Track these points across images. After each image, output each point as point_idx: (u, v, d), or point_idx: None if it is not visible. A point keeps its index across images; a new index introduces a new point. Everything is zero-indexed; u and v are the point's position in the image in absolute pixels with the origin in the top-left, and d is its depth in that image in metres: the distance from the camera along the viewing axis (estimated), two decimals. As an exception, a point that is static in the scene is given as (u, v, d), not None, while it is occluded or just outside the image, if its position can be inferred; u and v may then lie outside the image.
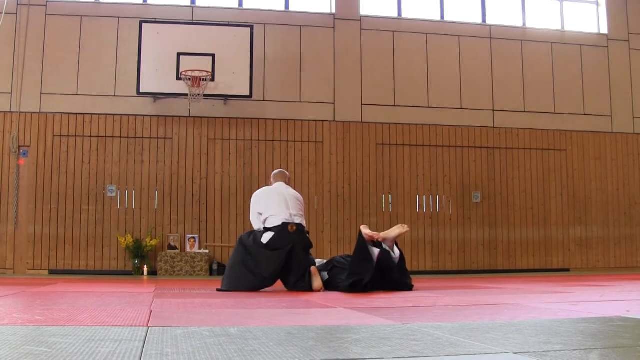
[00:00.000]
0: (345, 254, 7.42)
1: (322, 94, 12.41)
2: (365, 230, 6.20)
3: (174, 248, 11.54)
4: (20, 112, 11.51)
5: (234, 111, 12.11)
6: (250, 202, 6.76)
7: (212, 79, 11.35)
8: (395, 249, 6.44)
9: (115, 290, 6.18)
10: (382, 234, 6.27)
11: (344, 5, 12.78)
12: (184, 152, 11.93)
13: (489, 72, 13.07)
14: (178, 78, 11.28)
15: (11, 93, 11.55)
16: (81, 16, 11.90)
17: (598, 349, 2.34)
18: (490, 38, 13.22)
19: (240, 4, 12.59)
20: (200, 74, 11.21)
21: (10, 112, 11.52)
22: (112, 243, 11.52)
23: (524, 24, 13.57)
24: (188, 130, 11.97)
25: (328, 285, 6.27)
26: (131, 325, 3.01)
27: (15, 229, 11.36)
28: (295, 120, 12.26)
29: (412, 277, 6.52)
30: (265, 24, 12.36)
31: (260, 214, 6.53)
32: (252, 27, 11.77)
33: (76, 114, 11.68)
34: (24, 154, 11.52)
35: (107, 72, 11.84)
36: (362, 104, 12.49)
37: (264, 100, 12.21)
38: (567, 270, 12.81)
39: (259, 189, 11.75)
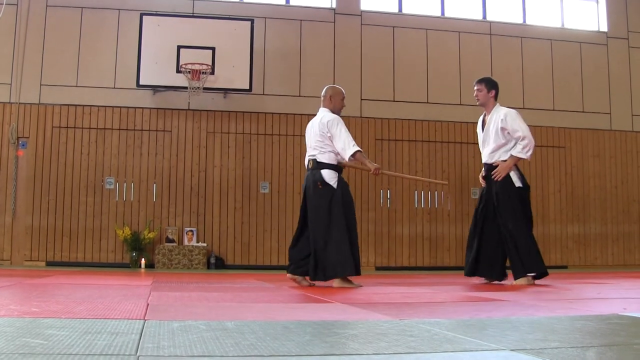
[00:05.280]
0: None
1: (321, 88, 12.28)
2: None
3: (172, 241, 11.53)
4: (19, 103, 11.49)
5: (233, 105, 12.09)
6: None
7: (212, 72, 11.32)
8: None
9: (112, 283, 6.19)
10: None
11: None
12: (183, 145, 11.91)
13: (489, 68, 13.04)
14: (178, 71, 11.26)
15: (11, 84, 11.52)
16: (82, 8, 11.87)
17: (595, 346, 2.34)
18: (490, 34, 13.21)
19: (241, -3, 12.57)
20: (200, 67, 11.19)
21: (9, 103, 11.49)
22: (110, 235, 11.51)
23: (524, 21, 13.55)
24: (187, 123, 11.96)
25: None
26: (128, 318, 3.01)
27: (13, 220, 11.35)
28: (294, 114, 12.24)
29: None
30: (265, 17, 12.33)
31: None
32: (252, 21, 11.74)
33: (75, 105, 11.66)
34: (23, 145, 11.50)
35: (107, 64, 11.81)
36: (361, 99, 12.48)
37: (263, 94, 12.19)
38: (565, 267, 12.81)
39: (258, 183, 11.96)
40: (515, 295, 5.04)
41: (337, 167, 6.20)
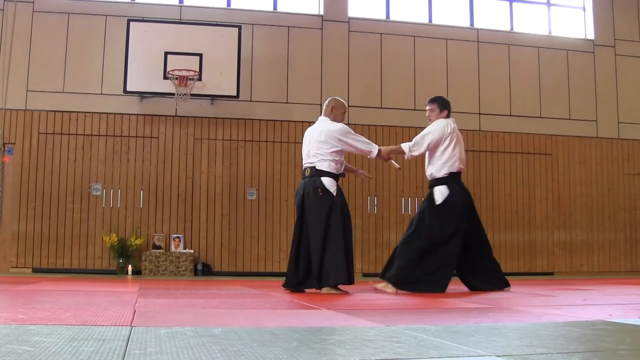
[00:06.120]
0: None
1: (309, 95, 12.40)
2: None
3: (159, 247, 11.49)
4: (5, 109, 11.43)
5: (220, 111, 12.08)
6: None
7: (199, 79, 11.31)
8: None
9: (99, 290, 6.16)
10: None
11: (332, 6, 12.78)
12: (170, 152, 11.88)
13: (476, 75, 13.11)
14: (165, 77, 11.24)
15: (-4, 90, 11.46)
16: (69, 13, 11.83)
17: (580, 352, 2.36)
18: (478, 41, 13.27)
19: (229, 3, 12.56)
20: (188, 74, 11.17)
21: (-5, 108, 11.44)
22: (97, 242, 11.45)
23: (512, 28, 13.63)
24: (174, 129, 11.93)
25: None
26: (115, 325, 3.00)
27: (-2, 227, 11.28)
28: (282, 121, 12.25)
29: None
30: (253, 24, 12.34)
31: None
32: (240, 27, 11.74)
33: (62, 111, 11.60)
34: (9, 151, 11.44)
35: (94, 70, 11.77)
36: (348, 106, 12.48)
37: (251, 101, 12.19)
38: (551, 274, 12.87)
39: (245, 189, 11.94)
40: (502, 301, 5.06)
41: (336, 176, 6.19)
